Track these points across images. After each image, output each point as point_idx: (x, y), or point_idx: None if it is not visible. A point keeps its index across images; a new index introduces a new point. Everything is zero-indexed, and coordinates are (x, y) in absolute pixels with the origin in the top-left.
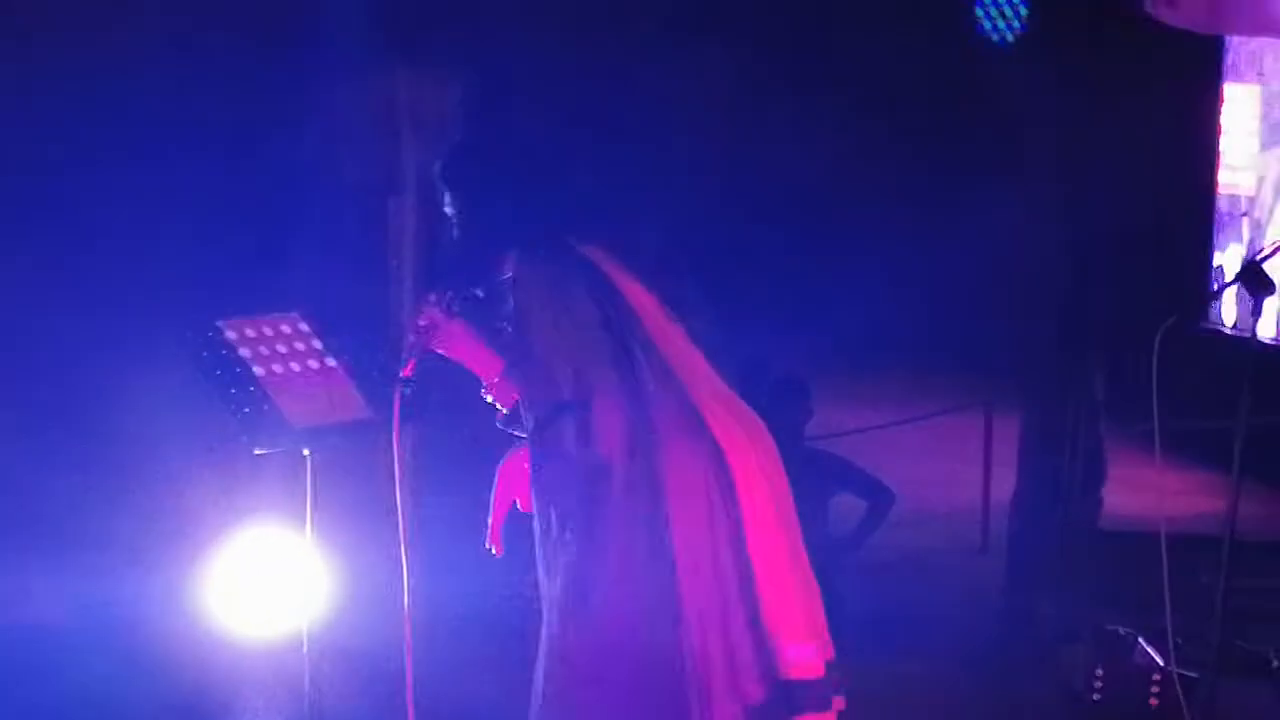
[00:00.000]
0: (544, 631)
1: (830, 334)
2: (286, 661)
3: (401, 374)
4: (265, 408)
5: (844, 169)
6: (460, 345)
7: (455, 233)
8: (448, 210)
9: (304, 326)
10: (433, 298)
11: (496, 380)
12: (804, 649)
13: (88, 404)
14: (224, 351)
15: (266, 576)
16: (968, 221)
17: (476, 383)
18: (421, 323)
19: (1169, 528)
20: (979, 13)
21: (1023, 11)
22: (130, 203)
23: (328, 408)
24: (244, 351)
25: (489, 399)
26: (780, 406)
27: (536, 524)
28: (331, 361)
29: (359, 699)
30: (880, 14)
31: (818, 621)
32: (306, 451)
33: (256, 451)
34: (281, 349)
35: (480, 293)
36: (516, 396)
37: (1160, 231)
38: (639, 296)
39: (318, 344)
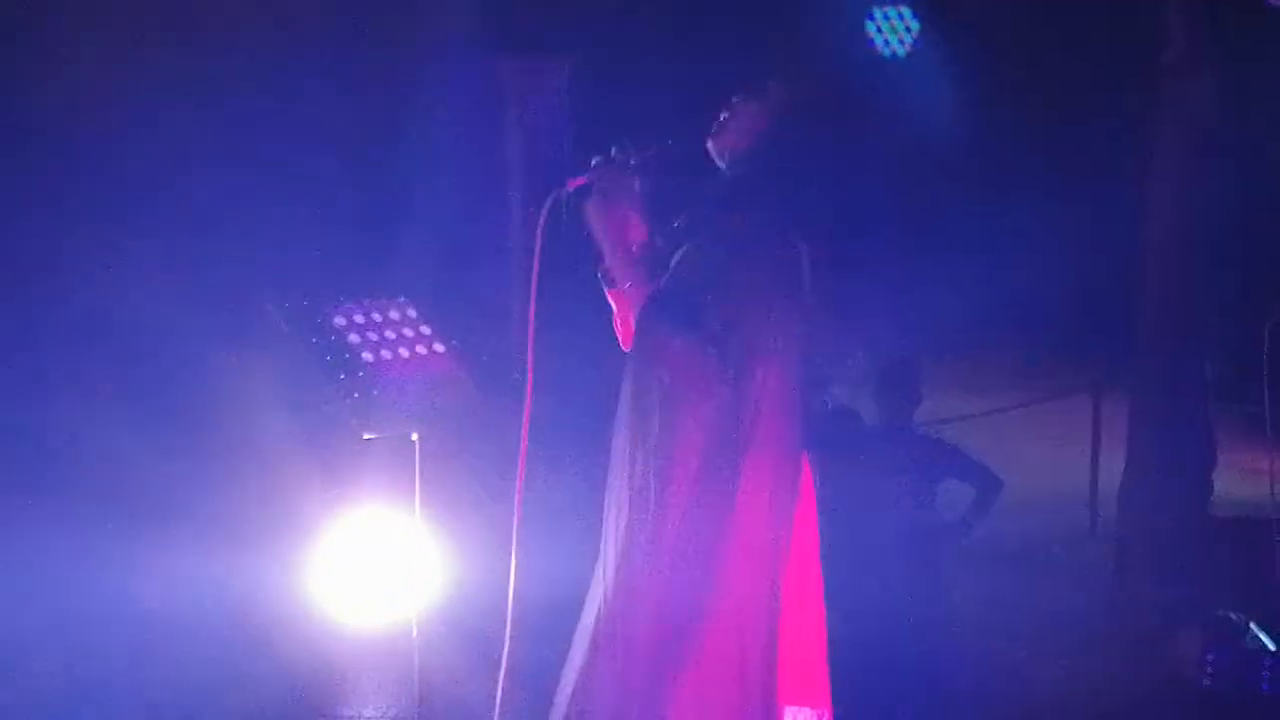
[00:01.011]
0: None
1: (938, 319)
2: (396, 646)
3: (569, 184)
4: (375, 393)
5: (953, 153)
6: (618, 202)
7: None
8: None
9: (412, 312)
10: (651, 150)
11: (631, 247)
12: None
13: (196, 389)
14: (333, 337)
15: (375, 561)
16: (1079, 205)
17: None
18: (615, 154)
19: None
20: (871, 27)
21: (914, 27)
22: (243, 194)
23: (436, 392)
24: (353, 337)
25: (604, 267)
26: (890, 391)
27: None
28: (440, 346)
29: (469, 684)
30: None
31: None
32: (415, 436)
33: (366, 436)
34: (390, 334)
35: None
36: (627, 285)
37: (1275, 216)
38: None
39: (426, 329)
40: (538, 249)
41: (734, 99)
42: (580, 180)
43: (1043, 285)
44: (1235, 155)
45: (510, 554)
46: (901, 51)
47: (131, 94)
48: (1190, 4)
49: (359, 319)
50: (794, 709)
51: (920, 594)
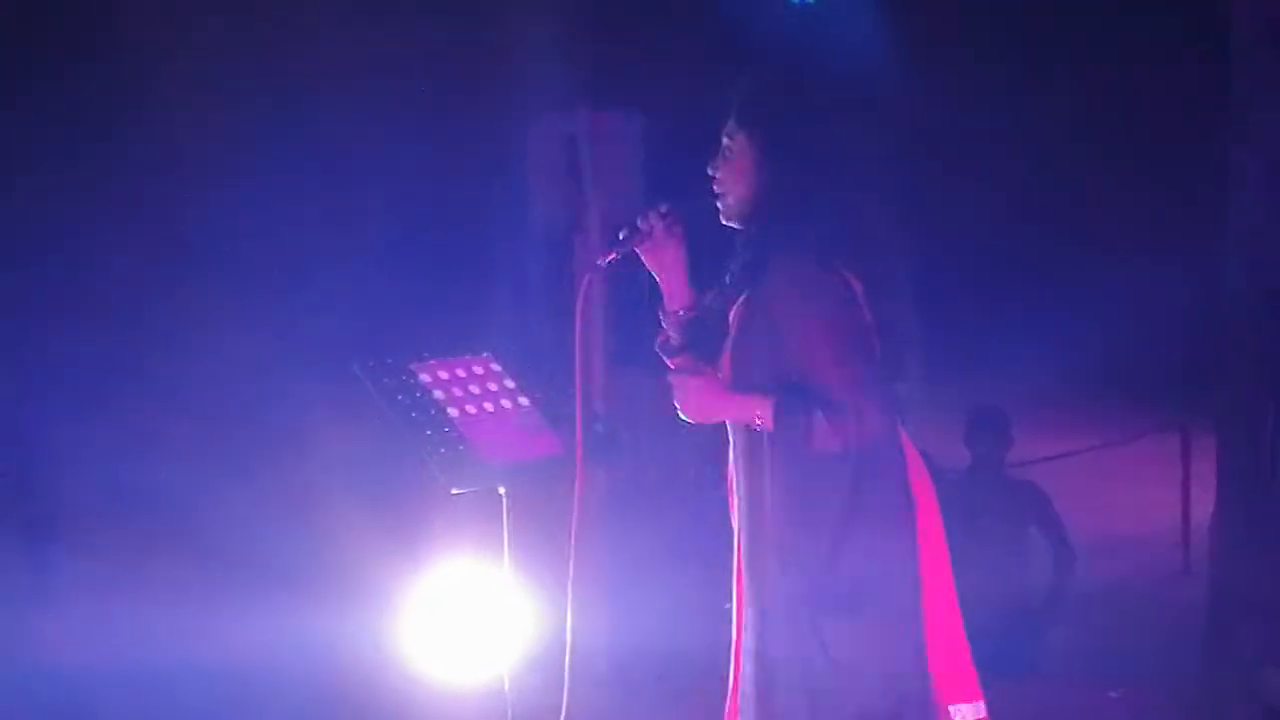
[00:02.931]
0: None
1: (1025, 360)
2: (489, 703)
3: (600, 260)
4: (461, 448)
5: (1037, 193)
6: (664, 262)
7: (723, 174)
8: (736, 144)
9: (496, 366)
10: (664, 209)
11: (680, 311)
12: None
13: (283, 445)
14: (418, 394)
15: (466, 617)
16: (1162, 242)
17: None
18: (640, 224)
19: None
20: None
21: None
22: (326, 250)
23: (522, 445)
24: (438, 393)
25: (664, 323)
26: (979, 436)
27: (747, 527)
28: (524, 400)
29: None
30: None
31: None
32: (502, 490)
33: (453, 491)
34: (474, 389)
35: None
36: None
37: None
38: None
39: (510, 383)
40: (579, 329)
41: (710, 172)
42: (611, 255)
43: (1130, 322)
44: None
45: (596, 604)
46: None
47: (223, 152)
48: (1265, 33)
49: (443, 375)
50: (955, 707)
51: (1013, 637)
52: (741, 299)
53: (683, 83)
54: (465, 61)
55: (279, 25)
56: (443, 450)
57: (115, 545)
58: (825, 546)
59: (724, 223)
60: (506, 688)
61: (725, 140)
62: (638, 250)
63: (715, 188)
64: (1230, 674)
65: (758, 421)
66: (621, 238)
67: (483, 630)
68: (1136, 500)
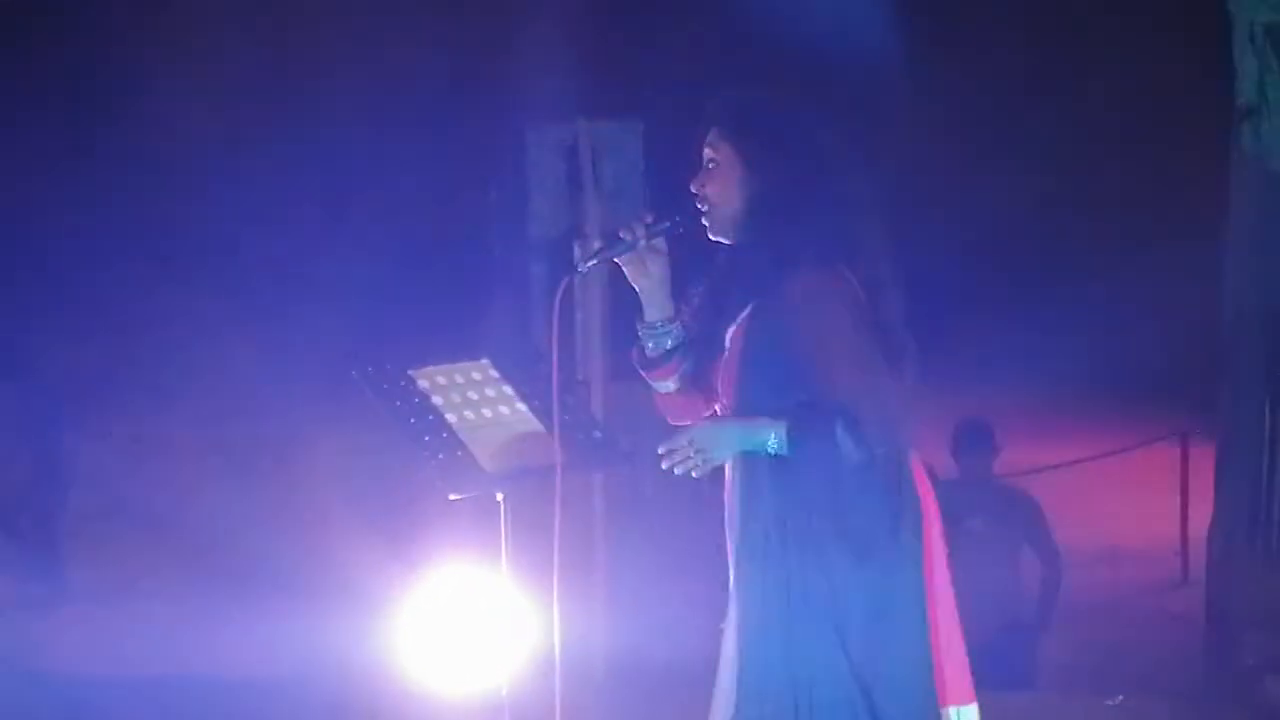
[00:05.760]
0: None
1: (1025, 370)
2: (488, 711)
3: (580, 266)
4: (459, 454)
5: (1037, 202)
6: (644, 273)
7: (706, 185)
8: (721, 156)
9: (494, 372)
10: (648, 219)
11: (657, 324)
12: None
13: (281, 452)
14: (416, 400)
15: (463, 623)
16: (1161, 252)
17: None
18: (623, 235)
19: None
20: None
21: None
22: (324, 257)
23: (520, 451)
24: (436, 399)
25: (640, 335)
26: (965, 447)
27: (748, 536)
28: (522, 406)
29: None
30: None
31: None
32: (500, 496)
33: (451, 497)
34: (473, 395)
35: (681, 229)
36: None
37: None
38: None
39: (508, 389)
40: (554, 332)
41: (694, 188)
42: (591, 261)
43: (1130, 332)
44: None
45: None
46: None
47: (221, 160)
48: (1259, 45)
49: (441, 381)
50: (956, 708)
51: (1005, 649)
52: (745, 316)
53: (684, 90)
54: (467, 69)
55: (279, 32)
56: (441, 456)
57: (112, 553)
58: (851, 555)
59: (712, 237)
60: (505, 695)
61: (709, 153)
62: (618, 261)
63: (700, 204)
64: (1229, 681)
65: (771, 448)
66: (598, 248)
67: (481, 637)
68: (1136, 509)
